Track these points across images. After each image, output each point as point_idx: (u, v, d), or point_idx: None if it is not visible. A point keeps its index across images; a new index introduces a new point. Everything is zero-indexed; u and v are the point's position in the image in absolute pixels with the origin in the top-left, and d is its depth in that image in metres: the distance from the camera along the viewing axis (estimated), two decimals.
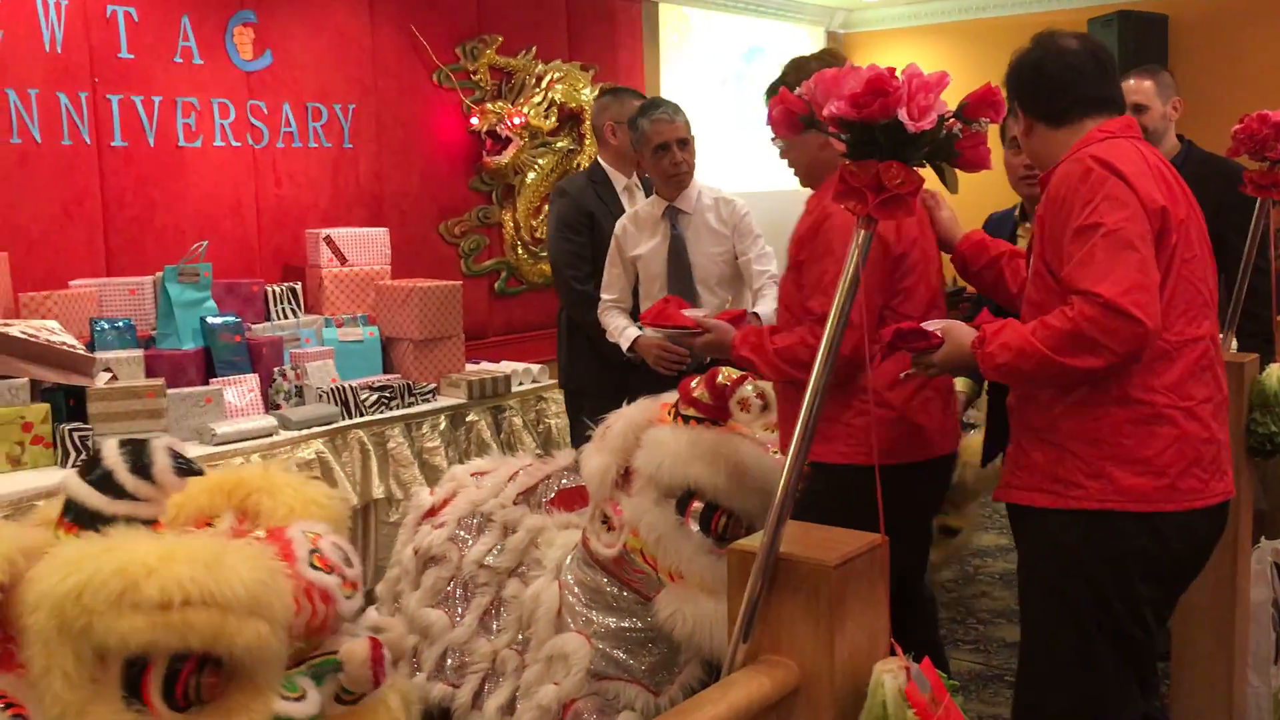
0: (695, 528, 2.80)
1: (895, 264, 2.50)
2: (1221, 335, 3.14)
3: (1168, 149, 3.80)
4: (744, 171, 7.24)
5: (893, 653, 1.49)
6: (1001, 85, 2.30)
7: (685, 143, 3.67)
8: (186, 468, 2.08)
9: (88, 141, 4.19)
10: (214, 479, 2.07)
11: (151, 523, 1.98)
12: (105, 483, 2.00)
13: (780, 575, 1.48)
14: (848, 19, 8.25)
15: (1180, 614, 3.04)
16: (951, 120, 1.36)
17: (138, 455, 2.04)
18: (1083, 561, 2.17)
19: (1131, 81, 3.83)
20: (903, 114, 1.31)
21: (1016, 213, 3.41)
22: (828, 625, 1.45)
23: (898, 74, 1.34)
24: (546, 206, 5.42)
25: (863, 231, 1.40)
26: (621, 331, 3.79)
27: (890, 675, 1.44)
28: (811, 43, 8.13)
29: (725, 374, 3.28)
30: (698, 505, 2.74)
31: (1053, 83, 2.24)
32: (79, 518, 1.97)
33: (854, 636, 1.49)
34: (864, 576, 1.49)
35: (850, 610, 1.48)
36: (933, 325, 2.27)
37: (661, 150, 3.64)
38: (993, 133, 1.46)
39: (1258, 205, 3.06)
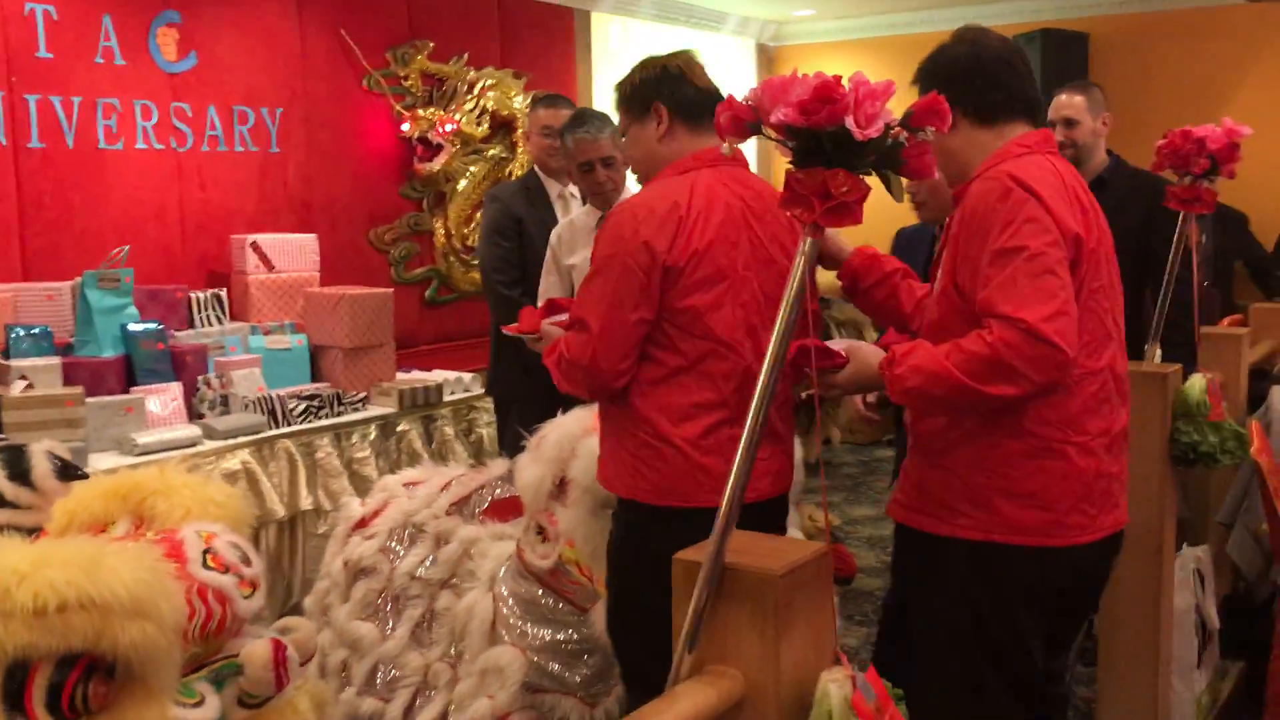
0: None
1: (665, 276, 2.24)
2: (1146, 346, 3.23)
3: (1097, 164, 3.86)
4: None
5: (838, 662, 1.48)
6: (915, 82, 2.25)
7: (610, 161, 3.58)
8: (69, 471, 2.02)
9: (3, 142, 4.06)
10: (108, 484, 2.02)
11: (35, 531, 1.92)
12: None
13: (726, 584, 1.47)
14: (778, 32, 8.32)
15: (1106, 622, 3.09)
16: (897, 129, 1.36)
17: (16, 461, 1.98)
18: (966, 590, 2.12)
19: (1063, 97, 3.89)
20: (850, 122, 1.31)
21: (938, 229, 3.43)
22: (774, 635, 1.44)
23: (844, 82, 1.34)
24: (479, 214, 5.38)
25: (809, 240, 1.40)
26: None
27: (836, 684, 1.44)
28: (742, 55, 8.18)
29: None
30: None
31: (990, 76, 2.16)
32: None
33: (800, 646, 1.48)
34: (810, 585, 1.49)
35: (796, 619, 1.47)
36: (838, 344, 2.18)
37: (585, 168, 3.61)
38: None
39: (1180, 219, 3.13)
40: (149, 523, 2.04)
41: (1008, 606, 2.11)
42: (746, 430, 1.46)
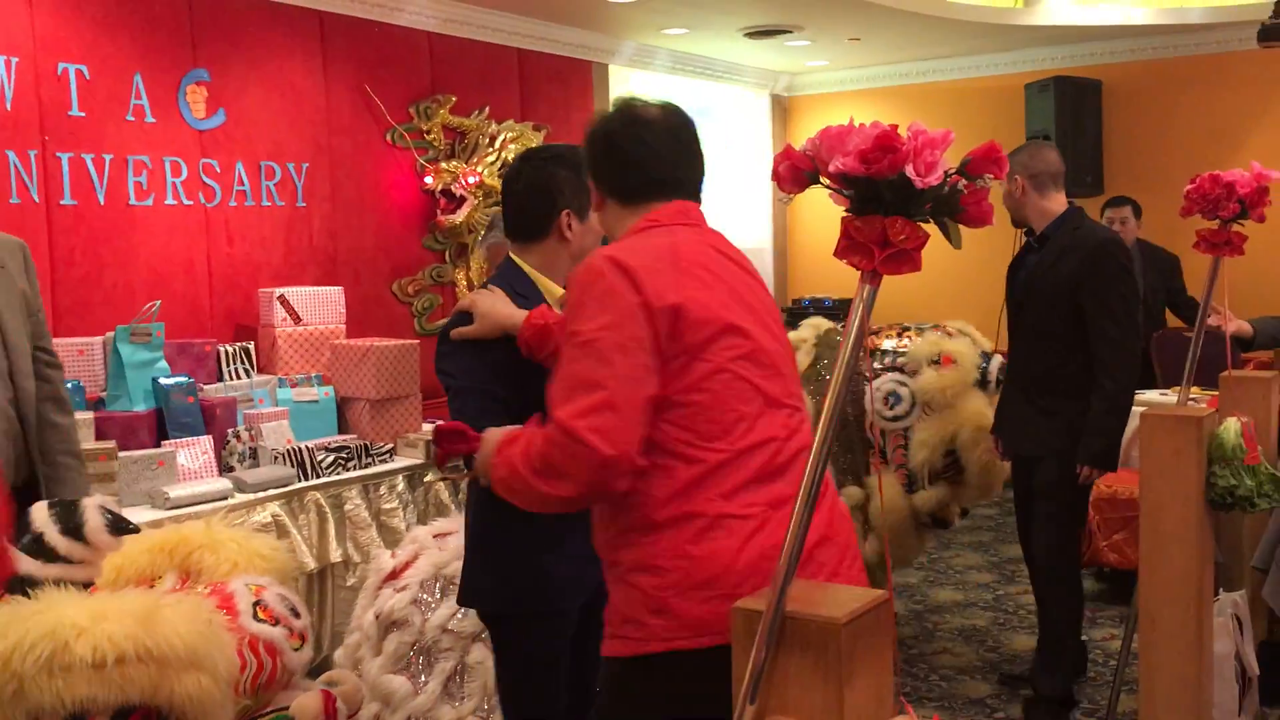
0: None
1: None
2: (1179, 389, 3.23)
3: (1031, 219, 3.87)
4: None
5: (902, 710, 1.47)
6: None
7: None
8: (120, 526, 2.03)
9: (36, 200, 4.11)
10: (155, 538, 2.03)
11: (87, 585, 1.92)
12: (36, 546, 1.95)
13: (787, 633, 1.47)
14: (791, 83, 8.41)
15: (1145, 669, 3.06)
16: (955, 177, 1.38)
17: (69, 516, 1.99)
18: (656, 713, 1.87)
19: None
20: (910, 170, 1.33)
21: None
22: (836, 684, 1.44)
23: (901, 131, 1.36)
24: None
25: (868, 288, 1.41)
26: None
27: None
28: (757, 105, 8.26)
29: None
30: None
31: (623, 156, 2.05)
32: (11, 585, 1.91)
33: (862, 695, 1.47)
34: (871, 633, 1.48)
35: (858, 668, 1.46)
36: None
37: None
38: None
39: (1212, 263, 3.14)
40: (196, 576, 2.06)
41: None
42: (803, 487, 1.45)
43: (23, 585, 1.89)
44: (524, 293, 2.49)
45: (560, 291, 2.53)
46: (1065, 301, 3.68)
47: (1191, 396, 3.28)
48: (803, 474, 1.80)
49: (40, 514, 1.96)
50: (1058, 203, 3.82)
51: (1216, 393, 3.61)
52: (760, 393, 1.89)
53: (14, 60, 4.03)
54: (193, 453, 3.90)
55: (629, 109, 2.11)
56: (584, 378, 1.80)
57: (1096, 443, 3.61)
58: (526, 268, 2.53)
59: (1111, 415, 3.62)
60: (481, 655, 3.20)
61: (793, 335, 4.50)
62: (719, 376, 1.86)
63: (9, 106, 4.02)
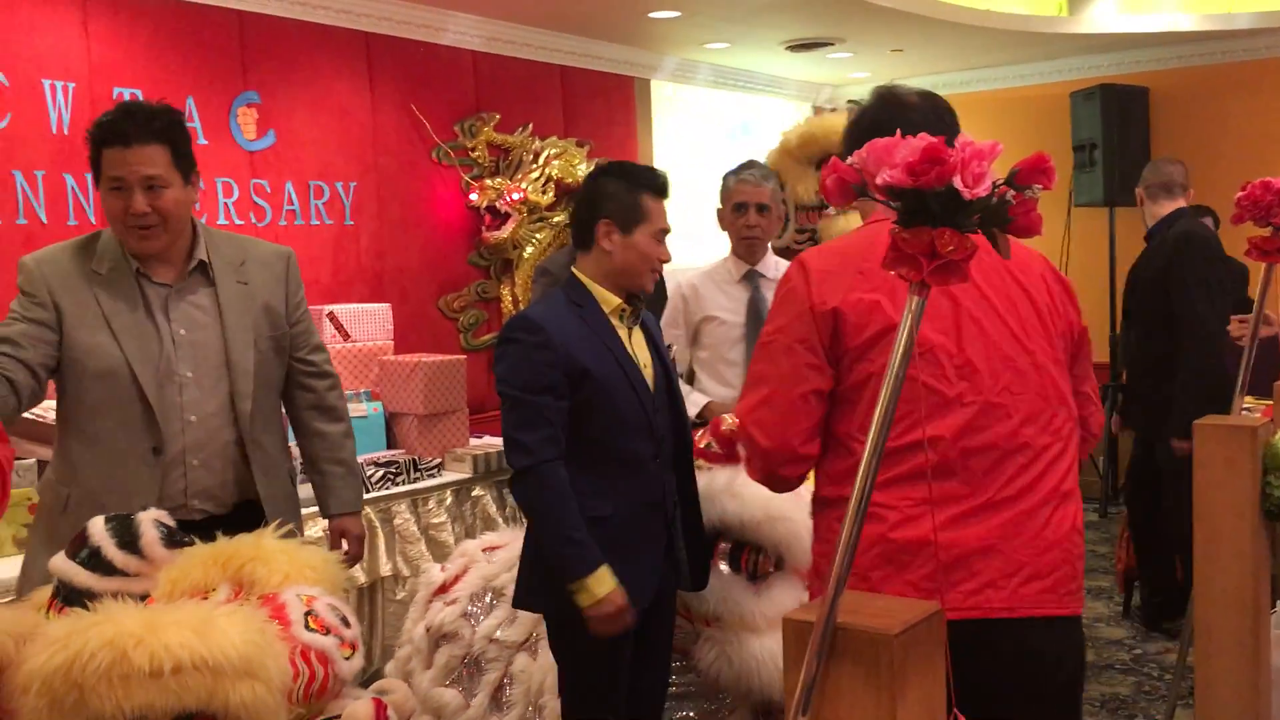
0: (725, 568, 2.78)
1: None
2: (1234, 397, 3.19)
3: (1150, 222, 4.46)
4: None
5: None
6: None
7: (764, 208, 3.74)
8: (175, 539, 2.07)
9: (93, 221, 4.19)
10: (207, 551, 2.06)
11: (144, 598, 1.96)
12: (93, 560, 1.98)
13: (839, 645, 1.47)
14: (834, 95, 8.41)
15: (1202, 683, 3.02)
16: (1003, 187, 1.38)
17: (125, 530, 2.03)
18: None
19: None
20: (957, 182, 1.33)
21: None
22: (889, 696, 1.43)
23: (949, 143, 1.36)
24: None
25: (916, 299, 1.41)
26: (687, 396, 3.60)
27: None
28: (799, 118, 8.25)
29: (729, 421, 3.27)
30: (724, 545, 2.72)
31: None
32: (69, 598, 1.95)
33: (915, 707, 1.47)
34: (923, 645, 1.48)
35: (911, 680, 1.46)
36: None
37: (740, 209, 3.73)
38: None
39: (1265, 270, 3.10)
40: (248, 588, 2.08)
41: None
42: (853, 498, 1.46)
43: (81, 598, 1.93)
44: (579, 301, 2.58)
45: (617, 301, 2.59)
46: (1160, 292, 4.14)
47: (1245, 406, 3.24)
48: (988, 473, 1.91)
49: (97, 528, 1.99)
50: (1165, 207, 4.34)
51: (1270, 402, 3.57)
52: (933, 393, 1.92)
53: (71, 86, 4.13)
54: None
55: (891, 95, 2.16)
56: (756, 375, 2.00)
57: (1178, 418, 3.99)
58: (583, 278, 2.62)
59: (1186, 394, 4.04)
60: (524, 664, 3.21)
61: None
62: (883, 376, 1.87)
63: (67, 131, 4.12)
